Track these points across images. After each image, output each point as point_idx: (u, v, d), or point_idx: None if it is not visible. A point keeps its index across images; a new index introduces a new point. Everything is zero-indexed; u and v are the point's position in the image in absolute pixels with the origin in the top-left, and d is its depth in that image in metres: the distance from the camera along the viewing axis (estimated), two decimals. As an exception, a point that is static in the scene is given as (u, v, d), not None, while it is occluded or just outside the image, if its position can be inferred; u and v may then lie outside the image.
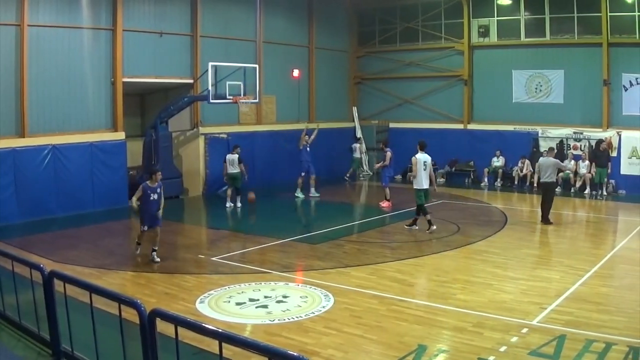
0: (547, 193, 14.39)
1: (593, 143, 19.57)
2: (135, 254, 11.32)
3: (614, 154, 19.22)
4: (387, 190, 17.09)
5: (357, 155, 23.27)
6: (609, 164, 18.83)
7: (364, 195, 21.39)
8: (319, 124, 20.97)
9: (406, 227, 13.84)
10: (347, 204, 17.92)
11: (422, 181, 13.45)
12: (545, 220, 14.25)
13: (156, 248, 11.07)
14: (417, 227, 13.65)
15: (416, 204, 13.66)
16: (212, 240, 13.23)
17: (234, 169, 16.58)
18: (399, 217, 15.53)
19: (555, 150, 15.94)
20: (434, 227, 13.38)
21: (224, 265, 10.76)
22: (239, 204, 16.86)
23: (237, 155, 16.62)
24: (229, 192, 17.01)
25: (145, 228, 11.07)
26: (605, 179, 18.84)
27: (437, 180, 22.00)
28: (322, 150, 23.07)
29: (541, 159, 14.98)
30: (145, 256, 11.17)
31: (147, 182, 11.13)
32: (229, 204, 16.90)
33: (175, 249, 12.59)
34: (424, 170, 13.48)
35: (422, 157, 13.59)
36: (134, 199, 11.11)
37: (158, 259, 10.96)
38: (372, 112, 24.99)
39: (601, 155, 18.89)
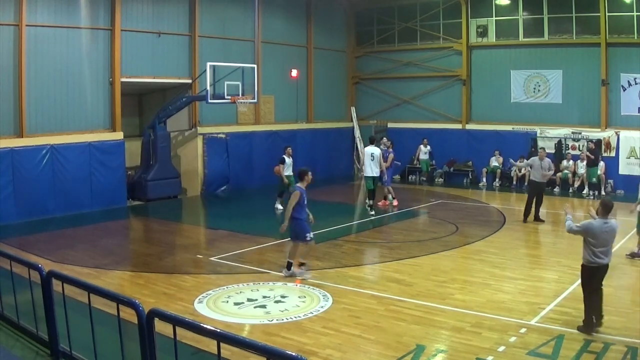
0: (535, 192, 14.48)
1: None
2: (306, 279, 9.66)
3: (612, 154, 19.26)
4: (390, 189, 17.10)
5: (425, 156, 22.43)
6: (600, 163, 18.87)
7: (362, 195, 21.34)
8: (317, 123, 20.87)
9: (371, 213, 15.55)
10: (346, 204, 17.90)
11: (368, 170, 15.47)
12: (536, 218, 14.39)
13: (305, 262, 9.90)
14: (373, 212, 15.54)
15: (366, 190, 15.92)
16: (211, 240, 13.22)
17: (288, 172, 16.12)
18: (398, 217, 15.59)
19: (546, 152, 15.79)
20: (373, 212, 15.55)
21: (222, 265, 10.75)
22: None
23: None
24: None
25: (312, 235, 9.76)
26: (594, 179, 18.83)
27: (437, 179, 22.39)
28: (320, 150, 23.14)
29: (532, 158, 15.15)
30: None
31: (298, 184, 9.82)
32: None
33: (174, 249, 12.61)
34: (372, 160, 15.46)
35: (369, 150, 15.70)
36: (290, 207, 9.51)
37: (309, 275, 9.73)
38: (370, 112, 24.99)
39: (590, 155, 19.00)
